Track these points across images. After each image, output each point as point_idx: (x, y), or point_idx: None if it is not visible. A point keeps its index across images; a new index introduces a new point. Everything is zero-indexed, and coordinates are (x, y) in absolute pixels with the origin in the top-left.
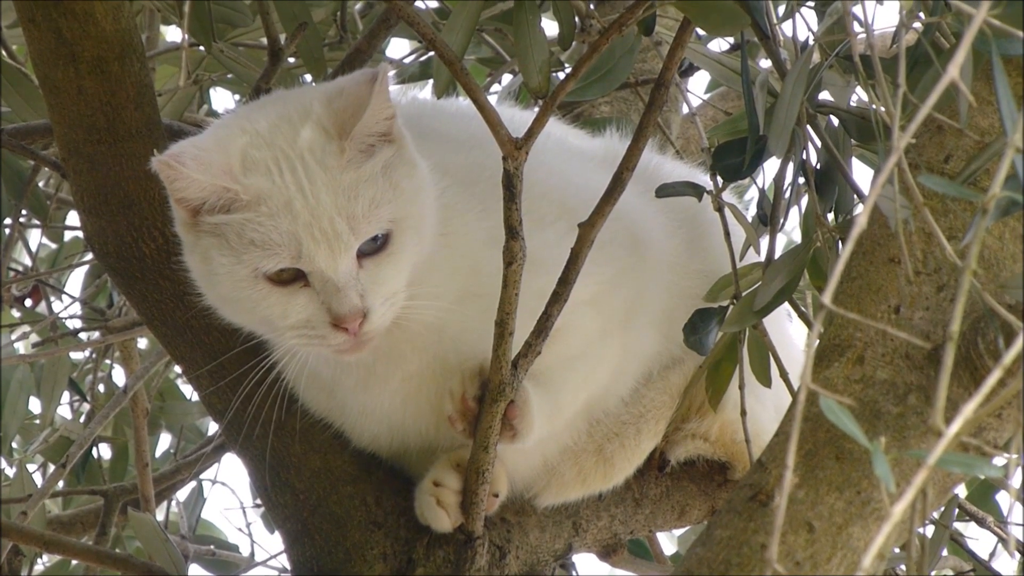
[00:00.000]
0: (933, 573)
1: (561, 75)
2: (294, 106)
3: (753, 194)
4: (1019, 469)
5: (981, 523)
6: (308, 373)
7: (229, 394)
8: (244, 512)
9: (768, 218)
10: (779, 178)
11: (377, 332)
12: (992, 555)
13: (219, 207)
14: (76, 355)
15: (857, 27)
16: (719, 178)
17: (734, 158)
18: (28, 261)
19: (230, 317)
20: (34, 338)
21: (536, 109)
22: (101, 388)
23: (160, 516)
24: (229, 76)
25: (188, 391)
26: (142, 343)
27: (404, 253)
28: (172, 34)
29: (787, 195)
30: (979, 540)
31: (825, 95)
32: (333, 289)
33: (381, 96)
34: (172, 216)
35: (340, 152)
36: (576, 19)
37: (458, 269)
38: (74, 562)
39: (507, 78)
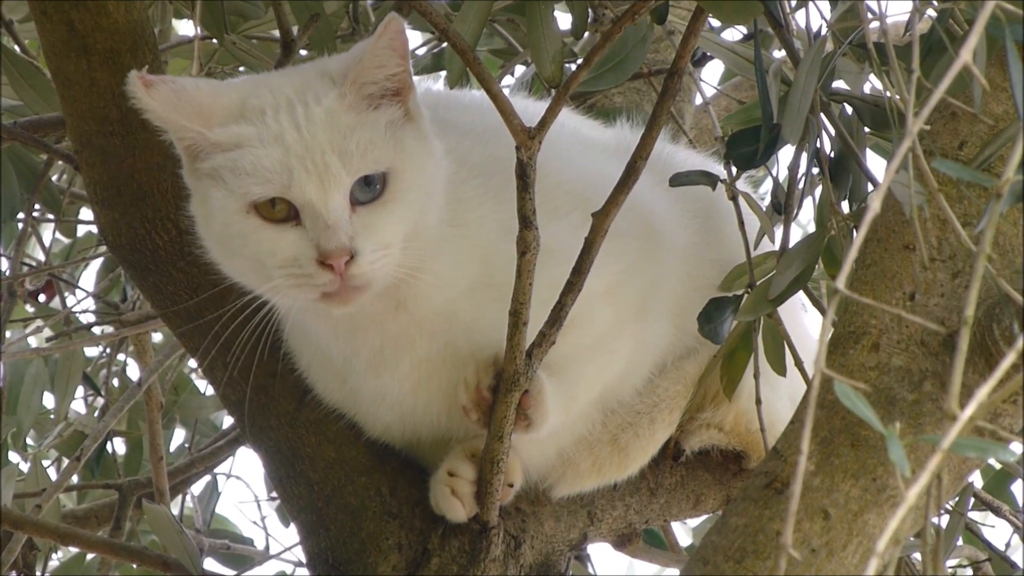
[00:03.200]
0: (949, 562)
1: (574, 66)
2: (314, 63)
3: (768, 186)
4: None
5: (997, 512)
6: (320, 360)
7: (242, 384)
8: (259, 505)
9: (782, 207)
10: (793, 166)
11: (366, 282)
12: (1008, 545)
13: (207, 149)
14: (90, 350)
15: (870, 14)
16: (733, 167)
17: (748, 146)
18: (41, 256)
19: (225, 264)
20: (48, 333)
21: (549, 99)
22: (115, 382)
23: (175, 510)
24: (242, 69)
25: (202, 385)
26: (156, 337)
27: (399, 204)
28: (185, 28)
29: (801, 184)
30: (995, 528)
31: (839, 83)
32: (322, 225)
33: (382, 43)
34: (185, 207)
35: (341, 96)
36: (589, 9)
37: (470, 258)
38: (89, 557)
39: (520, 70)
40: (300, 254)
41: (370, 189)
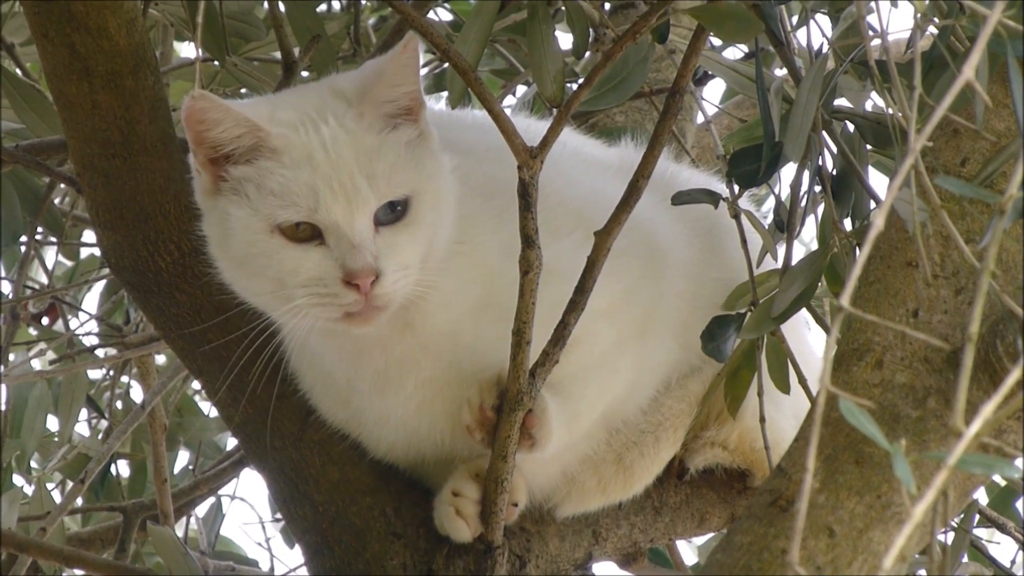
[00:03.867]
0: None
1: (575, 86)
2: (321, 83)
3: (770, 204)
4: None
5: (1002, 529)
6: (323, 381)
7: (248, 409)
8: (263, 527)
9: (785, 224)
10: (795, 184)
11: (387, 302)
12: (1013, 562)
13: (244, 155)
14: (94, 372)
15: (871, 31)
16: (735, 185)
17: (750, 165)
18: (44, 278)
19: (241, 284)
20: (51, 355)
21: (551, 119)
22: (119, 404)
23: (179, 532)
24: (243, 90)
25: (206, 407)
26: (160, 359)
27: (421, 226)
28: (186, 51)
29: (803, 202)
30: (1000, 545)
31: (841, 101)
32: (348, 245)
33: (397, 63)
34: (196, 227)
35: (360, 116)
36: (590, 29)
37: (474, 278)
38: None
39: (521, 90)
40: (325, 274)
41: (391, 211)
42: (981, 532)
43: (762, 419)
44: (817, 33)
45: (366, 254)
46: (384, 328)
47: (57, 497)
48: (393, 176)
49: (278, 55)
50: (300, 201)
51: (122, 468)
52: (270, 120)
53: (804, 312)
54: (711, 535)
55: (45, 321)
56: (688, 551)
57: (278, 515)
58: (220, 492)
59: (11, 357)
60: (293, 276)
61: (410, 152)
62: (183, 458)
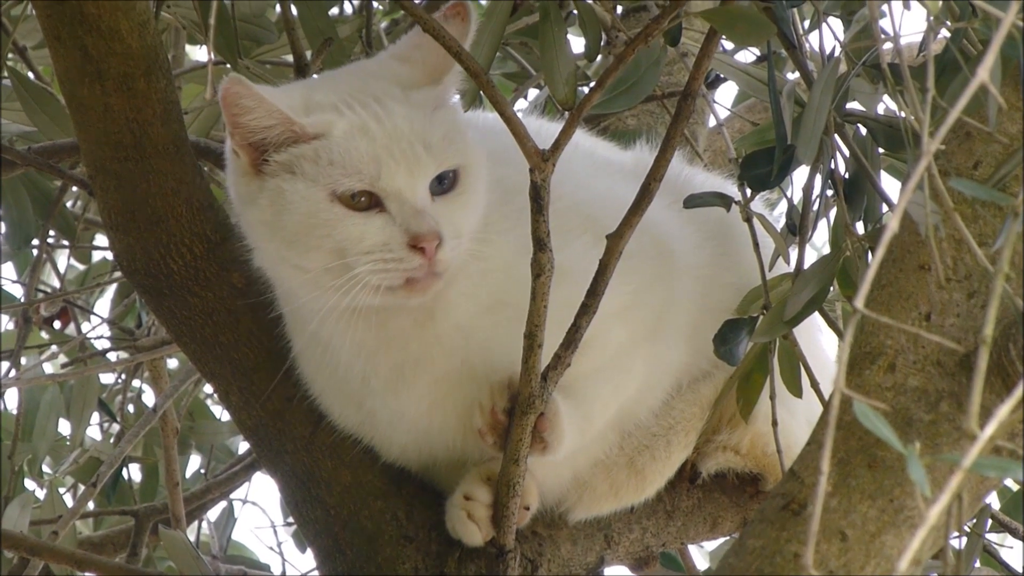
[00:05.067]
0: None
1: (587, 89)
2: (362, 63)
3: (783, 208)
4: None
5: (1015, 533)
6: (336, 383)
7: (260, 412)
8: (275, 531)
9: (797, 228)
10: (808, 188)
11: (445, 268)
12: None
13: (284, 141)
14: (106, 376)
15: (884, 34)
16: (747, 188)
17: (762, 168)
18: (56, 282)
19: (292, 263)
20: (63, 359)
21: (563, 122)
22: (131, 408)
23: (191, 536)
24: None
25: (218, 410)
26: (171, 362)
27: (471, 196)
28: (198, 54)
29: (816, 205)
30: (1013, 549)
31: (853, 104)
32: (411, 211)
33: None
34: (227, 197)
35: (407, 95)
36: (602, 32)
37: (492, 273)
38: None
39: (533, 93)
40: (390, 239)
41: (439, 183)
42: (993, 536)
43: (774, 423)
44: (829, 36)
45: (429, 219)
46: (408, 318)
47: (69, 501)
48: (448, 146)
49: (290, 58)
50: (363, 169)
51: (134, 472)
52: (305, 108)
53: (816, 316)
54: (723, 539)
55: (57, 325)
56: (700, 555)
57: (290, 519)
58: (232, 496)
59: (23, 361)
60: (358, 243)
61: (455, 128)
62: (195, 462)
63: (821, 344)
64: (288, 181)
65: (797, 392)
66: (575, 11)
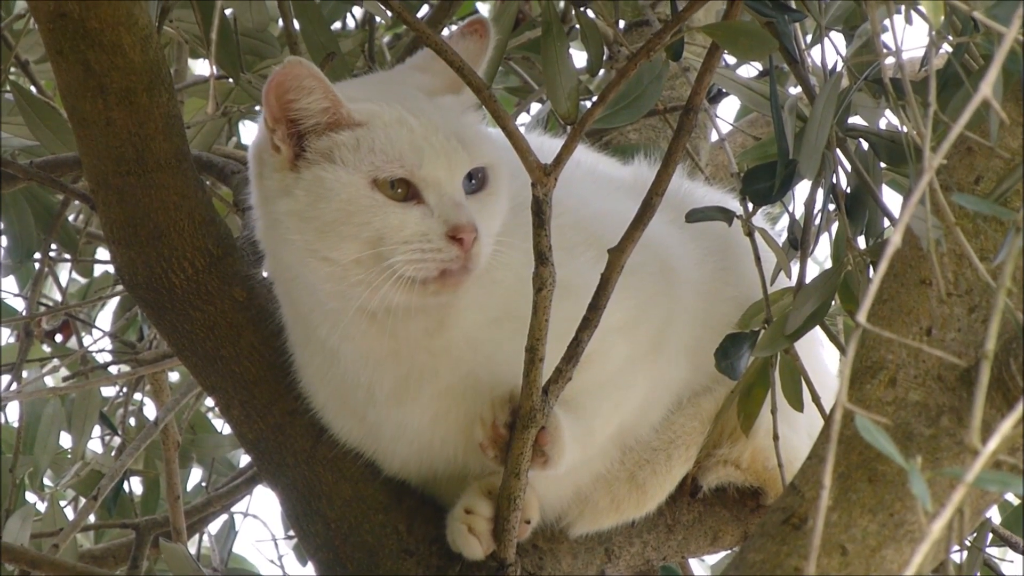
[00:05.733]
0: None
1: (590, 103)
2: (383, 74)
3: (784, 222)
4: None
5: (1015, 548)
6: (339, 395)
7: (261, 426)
8: (276, 544)
9: (799, 242)
10: (809, 202)
11: (478, 263)
12: None
13: (324, 129)
14: (107, 389)
15: (886, 49)
16: (749, 202)
17: (764, 182)
18: (58, 295)
19: (322, 255)
20: (64, 372)
21: (565, 136)
22: (132, 421)
23: (192, 549)
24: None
25: (219, 424)
26: (173, 376)
27: (499, 196)
28: (200, 68)
29: (817, 219)
30: (1013, 564)
31: (855, 119)
32: (451, 203)
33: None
34: (257, 182)
35: (451, 99)
36: (604, 46)
37: (499, 283)
38: None
39: (535, 107)
40: (429, 229)
41: (469, 181)
42: (993, 551)
43: (775, 437)
44: (831, 51)
45: (468, 211)
46: (419, 326)
47: (70, 514)
48: (478, 143)
49: None
50: (405, 157)
51: (135, 485)
52: (350, 99)
53: (818, 330)
54: (724, 553)
55: (59, 338)
56: (701, 569)
57: (291, 532)
58: (233, 509)
59: (24, 374)
60: (397, 232)
61: (482, 131)
62: (196, 475)
63: (822, 358)
64: (328, 169)
65: (798, 406)
66: (577, 26)
